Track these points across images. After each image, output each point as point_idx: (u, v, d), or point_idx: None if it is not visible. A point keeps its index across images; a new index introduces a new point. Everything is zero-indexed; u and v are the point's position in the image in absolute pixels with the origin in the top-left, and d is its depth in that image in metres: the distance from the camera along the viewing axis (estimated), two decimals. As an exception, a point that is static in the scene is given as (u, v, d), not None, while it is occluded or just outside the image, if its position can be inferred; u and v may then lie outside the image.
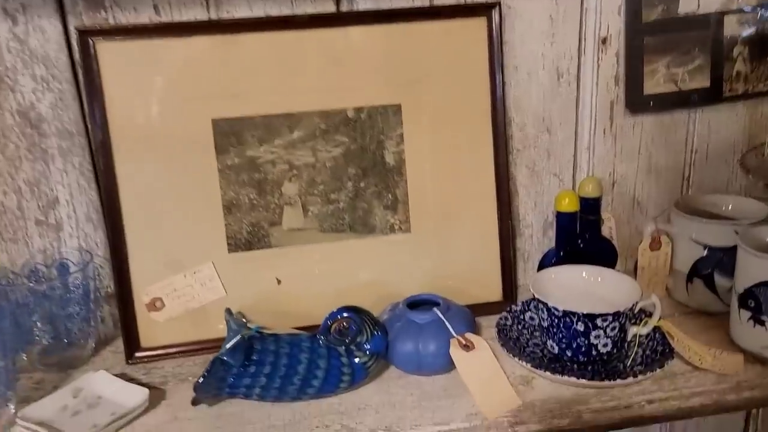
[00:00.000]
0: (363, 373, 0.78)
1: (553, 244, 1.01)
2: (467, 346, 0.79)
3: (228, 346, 0.73)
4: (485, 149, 0.94)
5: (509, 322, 0.87)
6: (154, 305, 0.88)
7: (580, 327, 0.77)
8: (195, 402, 0.74)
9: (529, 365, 0.78)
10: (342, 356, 0.78)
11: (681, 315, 0.93)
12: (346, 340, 0.78)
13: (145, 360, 0.88)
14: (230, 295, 0.90)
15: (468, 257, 0.95)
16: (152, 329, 0.88)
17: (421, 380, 0.81)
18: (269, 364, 0.76)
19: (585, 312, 0.76)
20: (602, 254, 1.00)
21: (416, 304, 0.86)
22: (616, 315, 0.77)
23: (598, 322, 0.76)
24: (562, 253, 0.96)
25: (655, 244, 0.94)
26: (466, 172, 0.94)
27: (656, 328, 0.81)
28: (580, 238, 0.96)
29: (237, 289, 0.90)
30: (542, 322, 0.81)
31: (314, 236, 0.91)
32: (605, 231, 1.01)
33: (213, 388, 0.74)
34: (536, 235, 1.02)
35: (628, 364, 0.80)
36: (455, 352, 0.79)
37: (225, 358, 0.72)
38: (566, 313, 0.77)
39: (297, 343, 0.78)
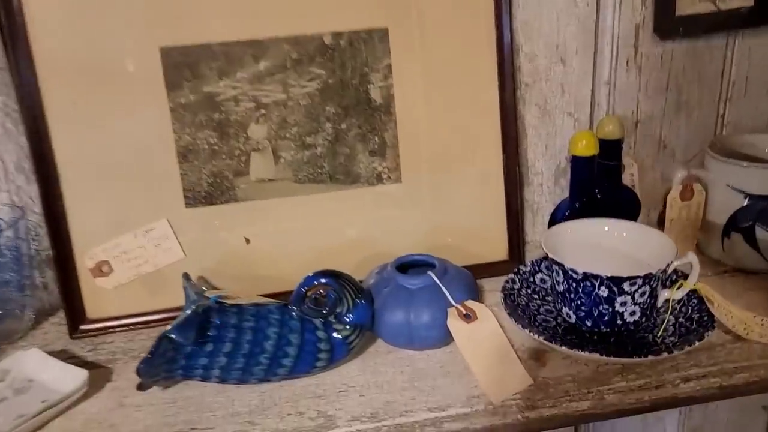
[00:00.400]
0: (344, 349, 0.66)
1: (566, 194, 0.88)
2: (468, 316, 0.67)
3: (177, 321, 0.60)
4: (488, 83, 0.80)
5: (517, 286, 0.75)
6: (100, 270, 0.75)
7: (603, 292, 0.64)
8: (141, 387, 0.62)
9: (541, 337, 0.65)
10: (318, 330, 0.65)
11: (715, 275, 0.81)
12: (324, 311, 0.66)
13: (92, 333, 0.75)
14: (190, 257, 0.77)
15: (468, 211, 0.82)
16: (99, 298, 0.76)
17: (414, 356, 0.69)
18: (230, 341, 0.63)
19: (609, 275, 0.63)
20: (623, 205, 0.86)
21: (407, 266, 0.73)
22: (648, 278, 0.64)
23: (626, 286, 0.64)
24: (577, 205, 0.83)
25: (686, 193, 0.81)
26: (465, 110, 0.80)
27: (692, 293, 0.69)
28: (598, 186, 0.83)
29: (198, 250, 0.77)
30: (557, 286, 0.68)
31: (287, 188, 0.78)
32: (626, 179, 0.88)
33: (161, 370, 0.62)
34: (547, 185, 0.89)
35: (659, 335, 0.68)
36: (454, 323, 0.66)
37: (173, 335, 0.59)
38: (587, 276, 0.64)
39: (264, 315, 0.65)
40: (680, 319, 0.69)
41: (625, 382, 0.64)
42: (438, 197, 0.81)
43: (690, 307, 0.70)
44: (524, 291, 0.75)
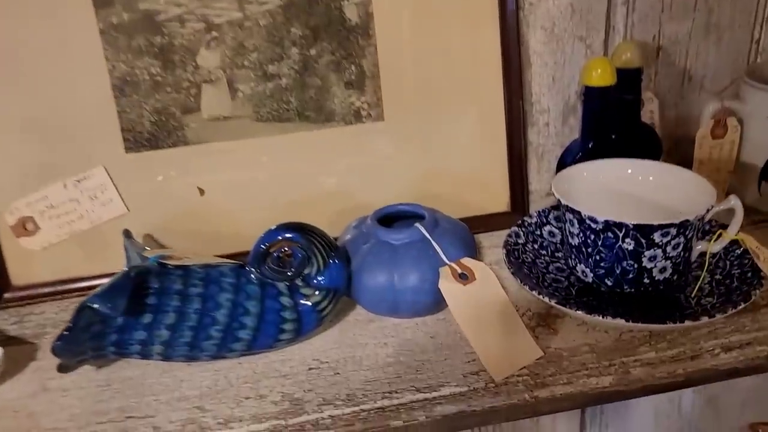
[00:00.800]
0: (314, 318, 0.54)
1: (575, 135, 0.76)
2: (464, 276, 0.55)
3: (102, 287, 0.49)
4: (486, 1, 0.67)
5: (521, 241, 0.63)
6: (24, 227, 0.62)
7: (629, 245, 0.53)
8: (62, 369, 0.50)
9: (552, 300, 0.54)
10: (282, 295, 0.54)
11: (750, 225, 0.69)
12: (289, 273, 0.54)
13: (17, 303, 0.63)
14: (133, 212, 0.65)
15: (463, 154, 0.70)
16: (25, 261, 0.64)
17: (400, 325, 0.58)
18: (173, 311, 0.51)
19: (636, 222, 0.51)
20: (642, 146, 0.74)
21: (391, 218, 0.61)
22: (683, 226, 0.52)
23: (656, 236, 0.52)
24: (590, 146, 0.71)
25: (718, 129, 0.69)
26: (459, 34, 0.67)
27: (733, 244, 0.57)
28: (614, 125, 0.71)
29: (142, 203, 0.65)
30: (570, 239, 0.57)
31: (248, 127, 0.65)
32: (645, 115, 0.75)
33: (87, 348, 0.50)
34: (554, 124, 0.77)
35: (693, 295, 0.56)
36: (447, 285, 0.54)
37: (96, 305, 0.48)
38: (609, 226, 0.53)
39: (215, 278, 0.53)
40: (717, 276, 0.58)
41: (654, 352, 0.53)
42: (427, 138, 0.69)
43: (728, 262, 0.58)
44: (530, 246, 0.63)
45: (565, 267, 0.61)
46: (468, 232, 0.60)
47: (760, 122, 0.67)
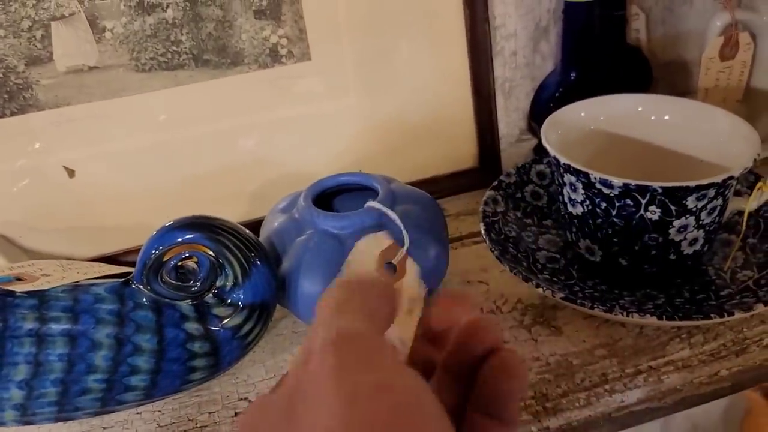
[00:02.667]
0: (236, 346, 0.39)
1: (548, 64, 0.62)
2: (390, 267, 0.39)
3: None
4: None
5: (501, 209, 0.49)
6: None
7: (653, 214, 0.39)
8: None
9: (558, 295, 0.40)
10: (188, 320, 0.38)
11: (766, 165, 0.57)
12: (194, 287, 0.38)
13: None
14: (-25, 207, 0.47)
15: (416, 97, 0.54)
16: None
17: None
18: (26, 361, 0.35)
19: (667, 185, 0.38)
20: (630, 75, 0.61)
21: (331, 194, 0.46)
22: (724, 185, 0.39)
23: (690, 201, 0.39)
24: (572, 76, 0.57)
25: (728, 49, 0.56)
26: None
27: (773, 200, 0.45)
28: (598, 49, 0.57)
29: (-14, 194, 0.47)
30: (571, 208, 0.43)
31: (125, 80, 0.48)
32: (630, 36, 0.62)
33: None
34: (523, 53, 0.62)
35: (726, 269, 0.44)
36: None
37: None
38: (629, 191, 0.39)
39: (88, 306, 0.37)
40: (750, 240, 0.46)
41: (689, 348, 0.41)
42: (369, 78, 0.53)
43: (761, 220, 0.46)
44: (512, 215, 0.49)
45: (558, 239, 0.48)
46: (436, 207, 0.45)
47: (777, 37, 0.54)
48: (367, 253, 0.33)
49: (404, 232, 0.38)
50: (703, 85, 0.57)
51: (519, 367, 0.24)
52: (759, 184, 0.43)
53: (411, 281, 0.30)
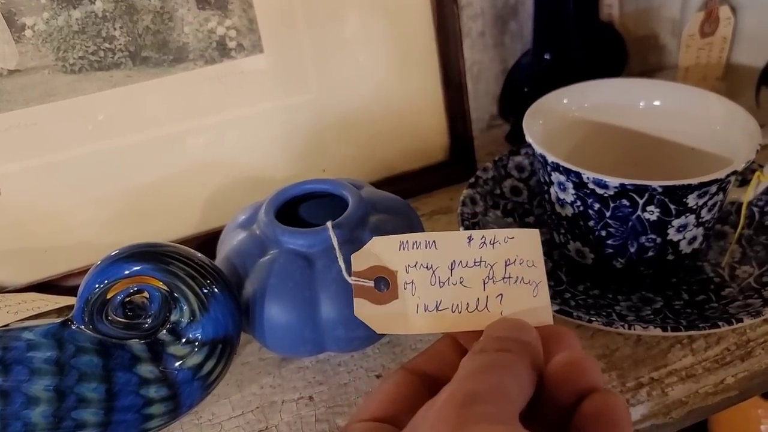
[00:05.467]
0: (197, 387, 0.34)
1: (517, 45, 0.58)
2: (381, 284, 0.34)
3: None
4: None
5: (480, 208, 0.45)
6: None
7: (652, 214, 0.36)
8: None
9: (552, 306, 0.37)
10: (141, 362, 0.33)
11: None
12: (145, 324, 0.34)
13: None
14: None
15: (379, 87, 0.50)
16: None
17: (329, 363, 0.39)
18: (-52, 428, 0.30)
19: (667, 184, 0.35)
20: (605, 54, 0.58)
21: (296, 202, 0.41)
22: (726, 180, 0.36)
23: (691, 200, 0.36)
24: (546, 57, 0.53)
25: (708, 24, 0.52)
26: None
27: (771, 188, 0.42)
28: (572, 27, 0.54)
29: None
30: (560, 209, 0.40)
31: (51, 83, 0.42)
32: (602, 12, 0.58)
33: None
34: (491, 33, 0.58)
35: (724, 264, 0.41)
36: (366, 313, 0.34)
37: None
38: (625, 191, 0.35)
39: (19, 355, 0.32)
40: (746, 231, 0.43)
41: (691, 354, 0.38)
42: (328, 72, 0.48)
43: (755, 210, 0.44)
44: (492, 215, 0.45)
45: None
46: (412, 214, 0.40)
47: (758, 10, 0.51)
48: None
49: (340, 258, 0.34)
50: (683, 63, 0.54)
51: (623, 413, 0.21)
52: (757, 173, 0.40)
53: None
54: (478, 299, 0.28)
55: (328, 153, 0.49)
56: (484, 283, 0.28)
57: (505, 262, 0.28)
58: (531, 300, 0.27)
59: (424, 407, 0.22)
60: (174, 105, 0.45)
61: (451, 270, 0.29)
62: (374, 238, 0.31)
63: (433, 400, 0.22)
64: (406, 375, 0.26)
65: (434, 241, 0.30)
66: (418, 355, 0.28)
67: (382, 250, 0.31)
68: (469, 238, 0.29)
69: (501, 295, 0.28)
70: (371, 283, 0.31)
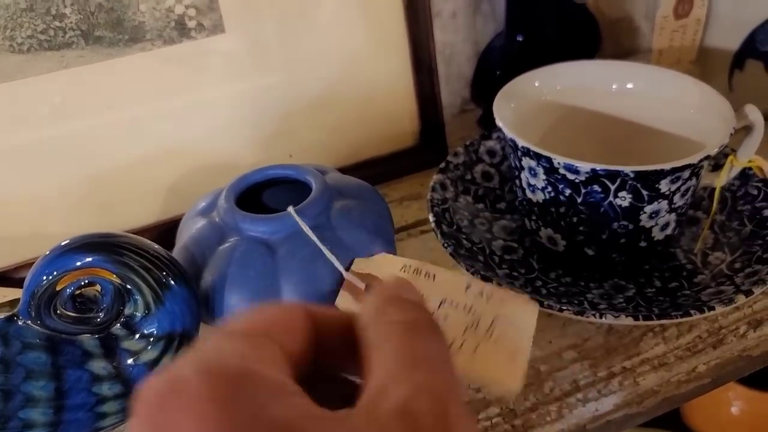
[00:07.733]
0: (154, 383, 0.33)
1: (489, 27, 0.57)
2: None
3: None
4: None
5: (450, 194, 0.44)
6: None
7: (624, 200, 0.35)
8: None
9: (525, 294, 0.35)
10: (93, 358, 0.32)
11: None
12: (97, 318, 0.32)
13: None
14: None
15: (347, 69, 0.48)
16: None
17: (294, 358, 0.38)
18: None
19: (639, 169, 0.34)
20: (578, 36, 0.57)
21: (258, 189, 0.39)
22: (700, 165, 0.35)
23: (664, 185, 0.35)
24: (519, 39, 0.52)
25: (682, 5, 0.52)
26: None
27: (745, 173, 0.41)
28: (545, 7, 0.52)
29: None
30: (530, 194, 0.39)
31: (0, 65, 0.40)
32: (576, -7, 0.57)
33: None
34: (462, 14, 0.56)
35: (696, 250, 0.41)
36: (345, 304, 0.33)
37: None
38: (596, 176, 0.34)
39: (-40, 353, 0.30)
40: (718, 217, 0.42)
41: (663, 343, 0.37)
42: (293, 53, 0.46)
43: (728, 195, 0.43)
44: (462, 201, 0.44)
45: (514, 224, 0.43)
46: (378, 200, 0.39)
47: (732, -6, 0.51)
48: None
49: (326, 252, 0.34)
50: (657, 45, 0.53)
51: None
52: (730, 158, 0.39)
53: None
54: (453, 340, 0.27)
55: (295, 138, 0.47)
56: (465, 330, 0.28)
57: (493, 320, 0.28)
58: (505, 362, 0.27)
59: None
60: (132, 88, 0.43)
61: (439, 306, 0.29)
62: (382, 253, 0.34)
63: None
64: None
65: (434, 275, 0.31)
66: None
67: (384, 264, 0.33)
68: (468, 286, 0.30)
69: (478, 345, 0.27)
70: (362, 285, 0.32)
